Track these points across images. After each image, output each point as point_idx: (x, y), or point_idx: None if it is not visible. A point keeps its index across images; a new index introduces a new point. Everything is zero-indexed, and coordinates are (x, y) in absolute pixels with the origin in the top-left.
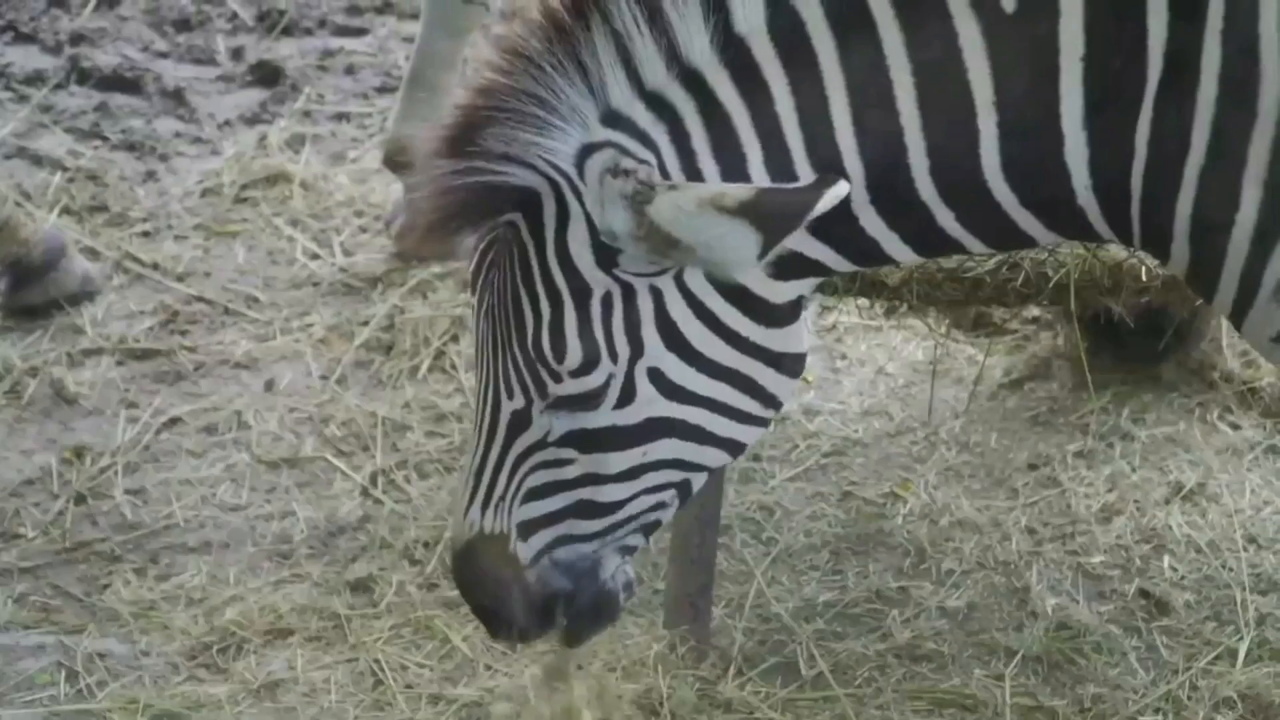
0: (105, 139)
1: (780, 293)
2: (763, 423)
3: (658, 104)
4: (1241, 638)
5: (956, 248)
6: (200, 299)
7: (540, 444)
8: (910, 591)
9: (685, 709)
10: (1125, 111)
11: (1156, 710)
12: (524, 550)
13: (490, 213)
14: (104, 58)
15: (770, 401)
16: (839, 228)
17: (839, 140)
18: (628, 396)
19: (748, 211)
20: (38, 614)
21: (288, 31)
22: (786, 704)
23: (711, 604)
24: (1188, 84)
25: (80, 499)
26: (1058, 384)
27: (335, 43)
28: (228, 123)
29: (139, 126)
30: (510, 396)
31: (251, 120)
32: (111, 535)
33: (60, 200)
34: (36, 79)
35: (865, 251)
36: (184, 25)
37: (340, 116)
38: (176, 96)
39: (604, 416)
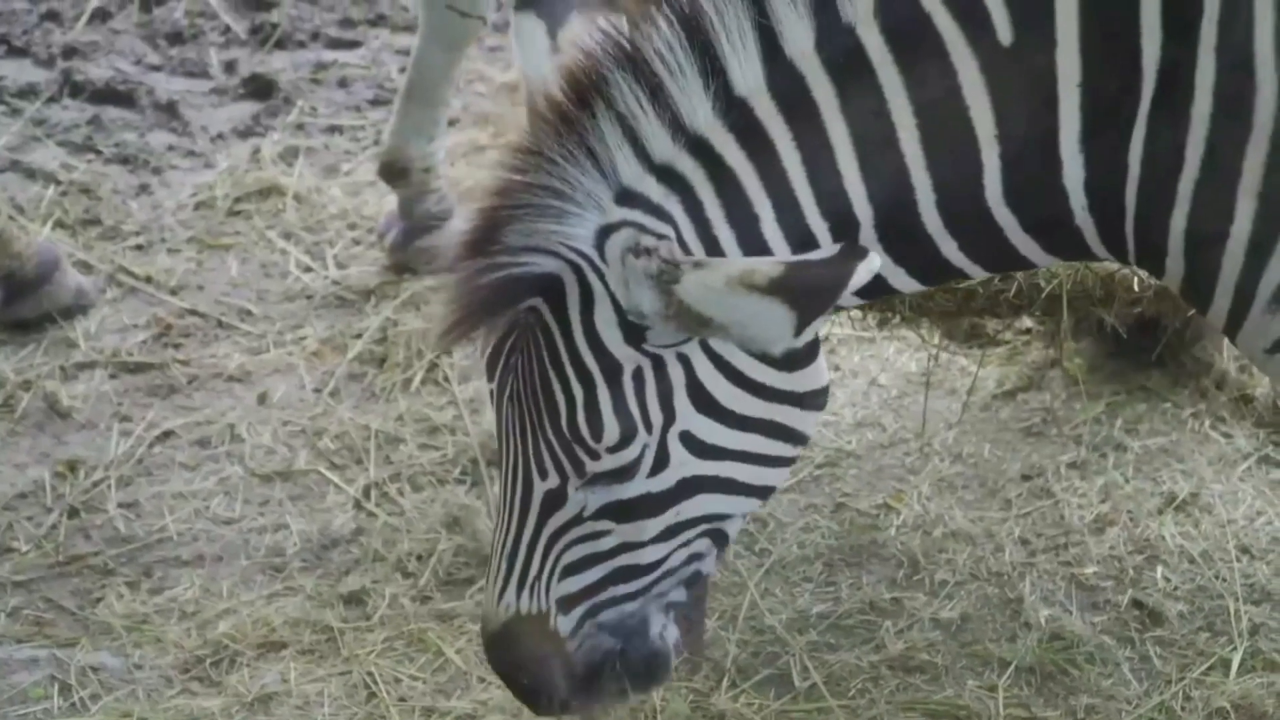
0: (98, 152)
1: (801, 336)
2: (791, 462)
3: (668, 176)
4: (1235, 648)
5: (958, 275)
6: (193, 312)
7: (576, 520)
8: (903, 602)
9: None
10: (1120, 131)
11: None
12: (565, 624)
13: (513, 301)
14: (97, 71)
15: (798, 439)
16: None
17: (848, 189)
18: (661, 463)
19: (779, 289)
20: (31, 628)
21: (280, 44)
22: (780, 715)
23: (705, 616)
24: (1181, 101)
25: (73, 512)
26: (1050, 395)
27: (328, 55)
28: (221, 136)
29: (132, 140)
30: (544, 477)
31: (244, 133)
32: (105, 549)
33: (53, 214)
34: (29, 92)
35: (873, 287)
36: (177, 38)
37: (333, 129)
38: (169, 110)
39: (638, 485)
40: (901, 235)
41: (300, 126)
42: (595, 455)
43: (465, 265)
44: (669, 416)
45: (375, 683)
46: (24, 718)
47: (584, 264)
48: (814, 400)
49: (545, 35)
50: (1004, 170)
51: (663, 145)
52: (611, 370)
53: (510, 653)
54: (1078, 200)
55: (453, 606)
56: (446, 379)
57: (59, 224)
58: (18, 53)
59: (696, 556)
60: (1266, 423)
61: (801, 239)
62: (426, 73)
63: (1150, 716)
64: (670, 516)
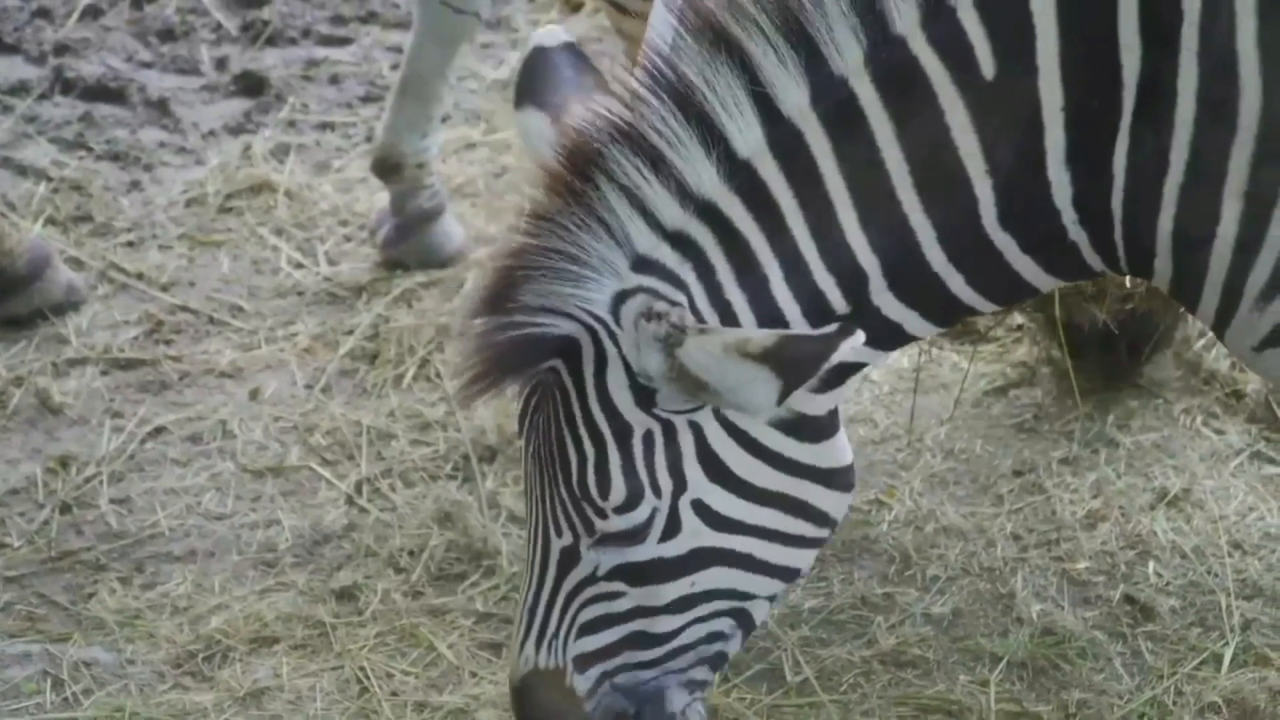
0: (90, 149)
1: (819, 405)
2: (817, 544)
3: (682, 243)
4: (1226, 643)
5: (968, 311)
6: (185, 308)
7: (590, 579)
8: (895, 598)
9: None
10: (1103, 144)
11: (1141, 716)
12: (581, 683)
13: (532, 361)
14: (88, 68)
15: (823, 520)
16: (866, 322)
17: (850, 242)
18: (673, 529)
19: (770, 358)
20: (23, 623)
21: (272, 41)
22: (772, 710)
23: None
24: (1164, 106)
25: (65, 508)
26: (1042, 391)
27: (320, 52)
28: (212, 132)
29: (123, 136)
30: (559, 534)
31: (236, 130)
32: (97, 544)
33: (44, 210)
34: (21, 89)
35: (890, 337)
36: (168, 35)
37: (325, 126)
38: (161, 107)
39: (650, 549)
40: (910, 279)
41: (292, 123)
42: (603, 514)
43: (484, 322)
44: (679, 482)
45: (367, 678)
46: (16, 713)
47: (599, 328)
48: (839, 479)
49: (549, 126)
50: (998, 198)
51: (673, 213)
52: (621, 432)
53: (528, 707)
54: (1069, 216)
55: (444, 602)
56: (438, 375)
57: (50, 221)
58: (9, 49)
59: (718, 636)
60: (1258, 419)
61: (811, 297)
62: (421, 69)
63: (1142, 711)
64: (685, 585)
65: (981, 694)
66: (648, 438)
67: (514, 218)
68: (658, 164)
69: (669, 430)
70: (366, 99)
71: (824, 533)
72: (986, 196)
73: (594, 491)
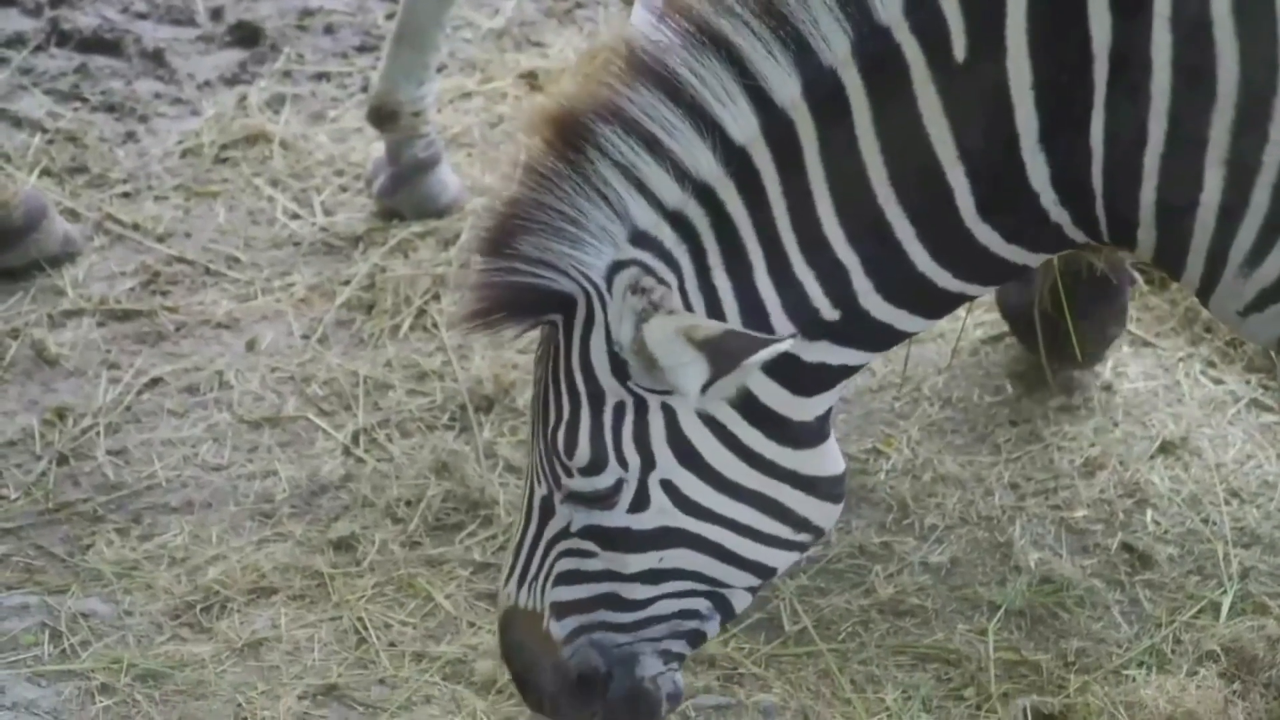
0: (85, 100)
1: (807, 410)
2: (797, 547)
3: (681, 224)
4: (1224, 591)
5: (959, 301)
6: (181, 259)
7: (565, 533)
8: (893, 547)
9: None
10: (1078, 119)
11: (1140, 664)
12: (557, 629)
13: (533, 310)
14: (84, 19)
15: (802, 526)
16: (855, 325)
17: (827, 233)
18: (641, 503)
19: (707, 346)
20: (21, 574)
21: None
22: (770, 659)
23: None
24: (1139, 76)
25: (62, 460)
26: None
27: (314, 2)
28: (207, 83)
29: (119, 88)
30: (540, 483)
31: (231, 80)
32: (94, 496)
33: (40, 162)
34: (16, 41)
35: (882, 338)
36: None
37: (320, 76)
38: (156, 58)
39: (619, 517)
40: (894, 276)
41: (287, 74)
42: (569, 472)
43: (486, 262)
44: (646, 459)
45: (365, 628)
46: (14, 664)
47: (593, 292)
48: (823, 487)
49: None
50: (972, 186)
51: (672, 193)
52: (595, 396)
53: (507, 641)
54: (1048, 197)
55: (442, 552)
56: (435, 325)
57: (46, 172)
58: (4, 2)
59: (693, 614)
60: (1257, 367)
61: (791, 288)
62: (417, 17)
63: (1140, 659)
64: (653, 559)
65: (980, 642)
66: (619, 408)
67: (510, 166)
68: (653, 145)
69: (640, 406)
70: (362, 49)
71: (803, 537)
72: (960, 185)
73: (561, 448)
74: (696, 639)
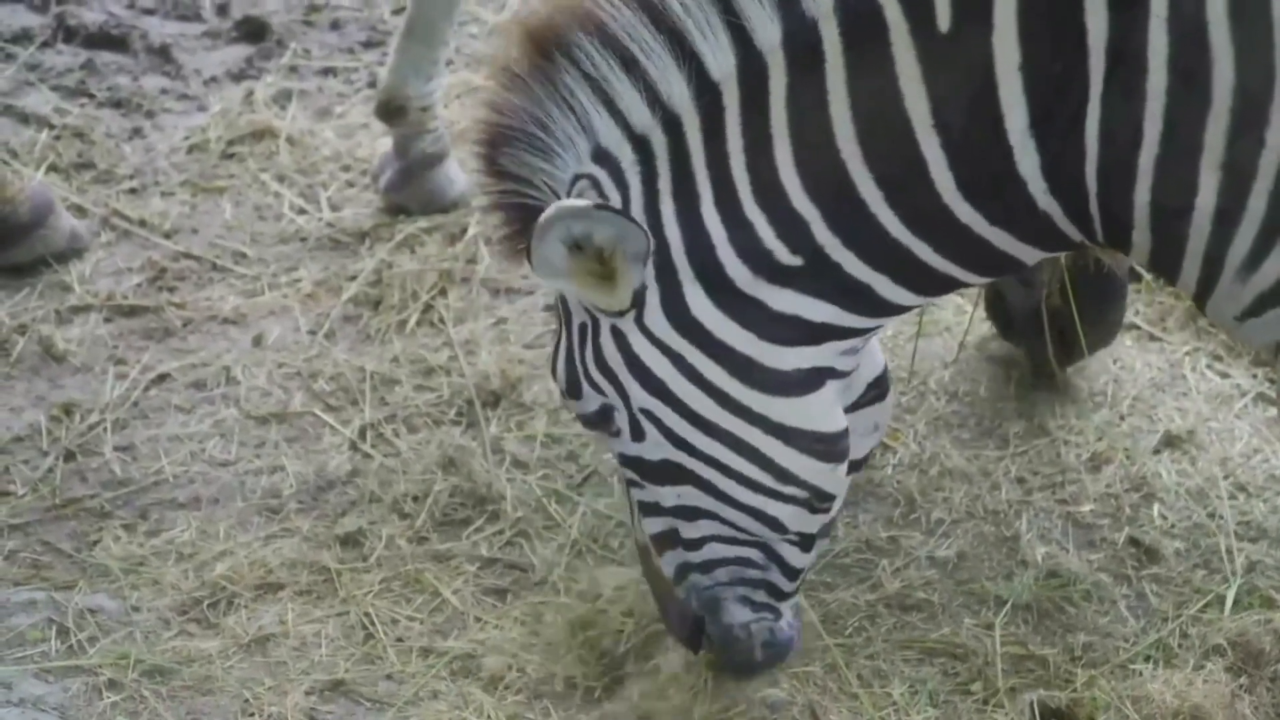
0: (91, 96)
1: (781, 358)
2: (796, 502)
3: (643, 147)
4: (1230, 585)
5: (949, 282)
6: (188, 255)
7: (618, 462)
8: (900, 541)
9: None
10: (1072, 112)
11: (1147, 658)
12: (664, 566)
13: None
14: (90, 15)
15: (786, 477)
16: (826, 279)
17: (783, 180)
18: (637, 432)
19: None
20: (28, 570)
21: None
22: None
23: None
24: (1135, 75)
25: (70, 456)
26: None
27: None
28: (214, 79)
29: (125, 84)
30: None
31: (238, 76)
32: (101, 491)
33: (47, 158)
34: (23, 37)
35: (865, 300)
36: None
37: (326, 71)
38: (162, 53)
39: (630, 446)
40: (863, 237)
41: (293, 69)
42: (564, 394)
43: (484, 181)
44: (617, 386)
45: (372, 623)
46: (22, 660)
47: None
48: (805, 440)
49: None
50: (950, 161)
51: (641, 115)
52: (567, 318)
53: (645, 573)
54: (1037, 186)
55: (449, 547)
56: (441, 320)
57: (52, 168)
58: None
59: (748, 562)
60: (1263, 361)
61: (740, 227)
62: (427, 11)
63: (1147, 653)
64: (673, 496)
65: (986, 637)
66: (582, 329)
67: (494, 67)
68: (629, 65)
69: (595, 327)
70: (368, 44)
71: (792, 490)
72: (936, 157)
73: (551, 368)
74: (773, 590)
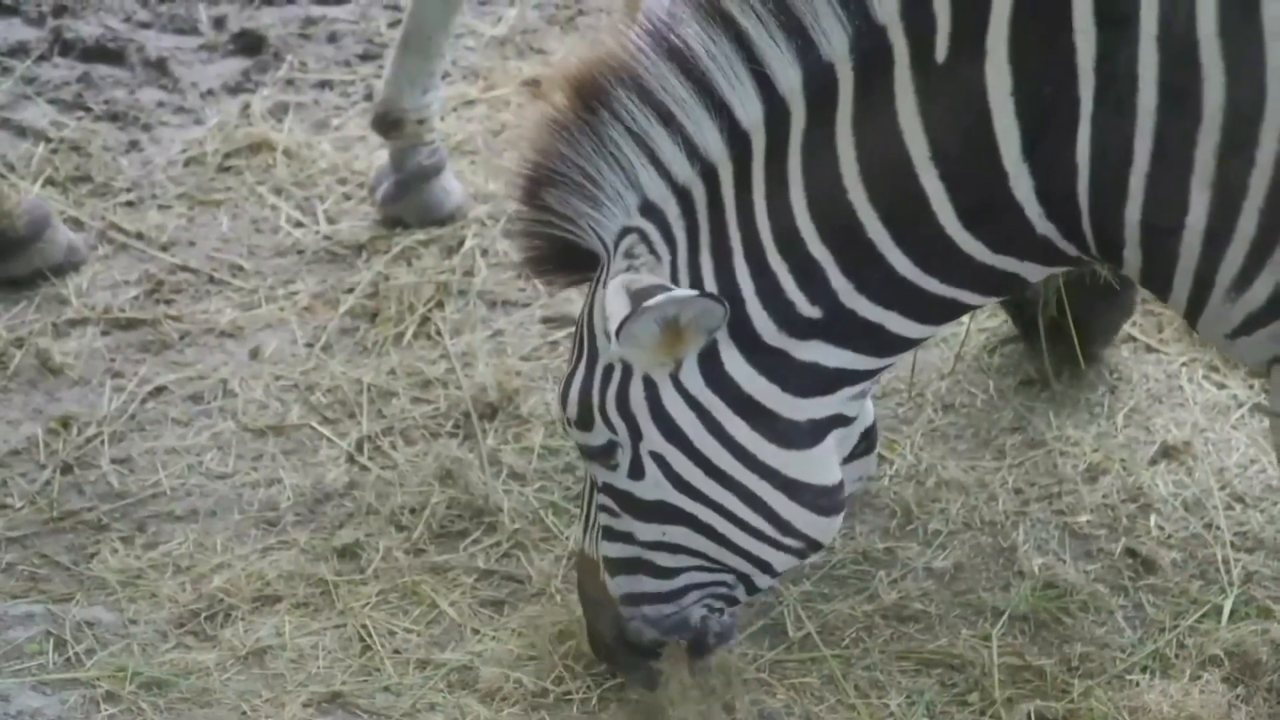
0: (88, 109)
1: (798, 409)
2: (789, 551)
3: (685, 199)
4: (1227, 596)
5: (958, 309)
6: (185, 268)
7: (595, 485)
8: (897, 552)
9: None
10: (1063, 133)
11: (1144, 668)
12: (612, 585)
13: (575, 265)
14: (86, 29)
15: (789, 530)
16: (842, 325)
17: (799, 226)
18: (637, 471)
19: (634, 297)
20: (26, 583)
21: (269, 0)
22: (774, 665)
23: None
24: (1125, 94)
25: (67, 468)
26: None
27: (317, 11)
28: (210, 92)
29: (122, 97)
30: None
31: (234, 89)
32: (98, 504)
33: (44, 171)
34: (19, 50)
35: (877, 341)
36: None
37: (323, 84)
38: (159, 66)
39: (623, 481)
40: (875, 279)
41: (290, 82)
42: (568, 422)
43: (522, 211)
44: (633, 428)
45: (370, 635)
46: (19, 673)
47: (604, 253)
48: (811, 495)
49: None
50: (950, 193)
51: (682, 168)
52: (592, 354)
53: (579, 580)
54: (1034, 210)
55: (446, 559)
56: (438, 333)
57: (49, 181)
58: (8, 11)
59: (722, 585)
60: (1259, 371)
61: (764, 277)
62: (423, 24)
63: (1144, 664)
64: (657, 532)
65: (983, 648)
66: (608, 370)
67: (537, 115)
68: (667, 119)
69: (626, 372)
70: (365, 57)
71: (791, 542)
72: (936, 189)
73: (560, 393)
74: (733, 602)
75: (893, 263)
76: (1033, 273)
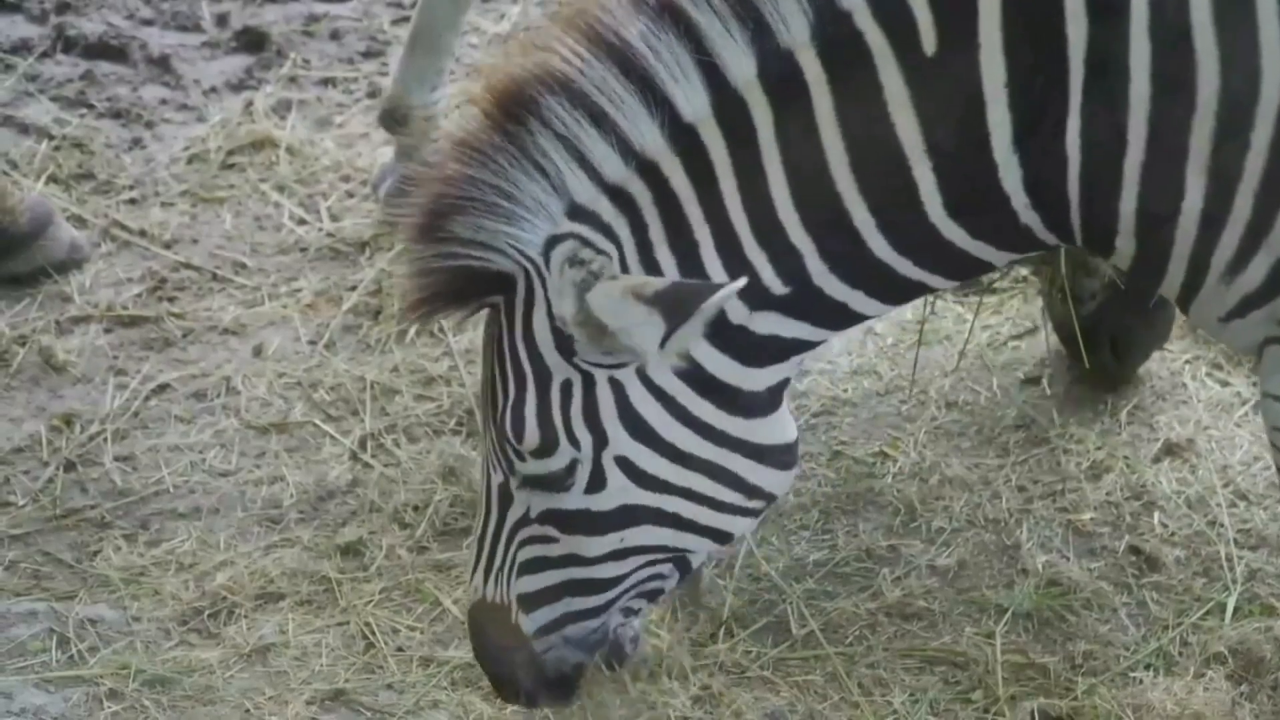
0: (91, 107)
1: (757, 380)
2: (752, 514)
3: (621, 197)
4: (1230, 593)
5: (921, 290)
6: (188, 265)
7: (524, 520)
8: (900, 550)
9: (675, 670)
10: (1053, 124)
11: (1147, 666)
12: (526, 623)
13: (475, 293)
14: (89, 26)
15: (755, 493)
16: (805, 302)
17: (781, 216)
18: (598, 483)
19: (659, 300)
20: (29, 581)
21: None
22: (777, 664)
23: (703, 564)
24: (1117, 84)
25: (70, 466)
26: (1046, 342)
27: (320, 8)
28: (213, 89)
29: (125, 94)
30: (495, 471)
31: (237, 86)
32: (101, 502)
33: (47, 168)
34: (22, 47)
35: (838, 316)
36: None
37: (326, 81)
38: (162, 64)
39: (577, 499)
40: (852, 263)
41: (293, 79)
42: (521, 456)
43: (418, 249)
44: (599, 437)
45: (373, 633)
46: (22, 670)
47: (531, 269)
48: (774, 455)
49: None
50: (940, 183)
51: (614, 167)
52: (541, 375)
53: (477, 636)
54: (1020, 200)
55: (449, 557)
56: (442, 330)
57: (52, 179)
58: (10, 8)
59: (657, 577)
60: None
61: (740, 266)
62: (432, 21)
63: (1148, 661)
64: (614, 541)
65: (987, 645)
66: (566, 386)
67: (441, 142)
68: (599, 119)
69: (588, 382)
70: (367, 54)
71: (756, 504)
72: (926, 180)
73: (509, 431)
74: (655, 595)
75: (872, 247)
76: (1002, 259)
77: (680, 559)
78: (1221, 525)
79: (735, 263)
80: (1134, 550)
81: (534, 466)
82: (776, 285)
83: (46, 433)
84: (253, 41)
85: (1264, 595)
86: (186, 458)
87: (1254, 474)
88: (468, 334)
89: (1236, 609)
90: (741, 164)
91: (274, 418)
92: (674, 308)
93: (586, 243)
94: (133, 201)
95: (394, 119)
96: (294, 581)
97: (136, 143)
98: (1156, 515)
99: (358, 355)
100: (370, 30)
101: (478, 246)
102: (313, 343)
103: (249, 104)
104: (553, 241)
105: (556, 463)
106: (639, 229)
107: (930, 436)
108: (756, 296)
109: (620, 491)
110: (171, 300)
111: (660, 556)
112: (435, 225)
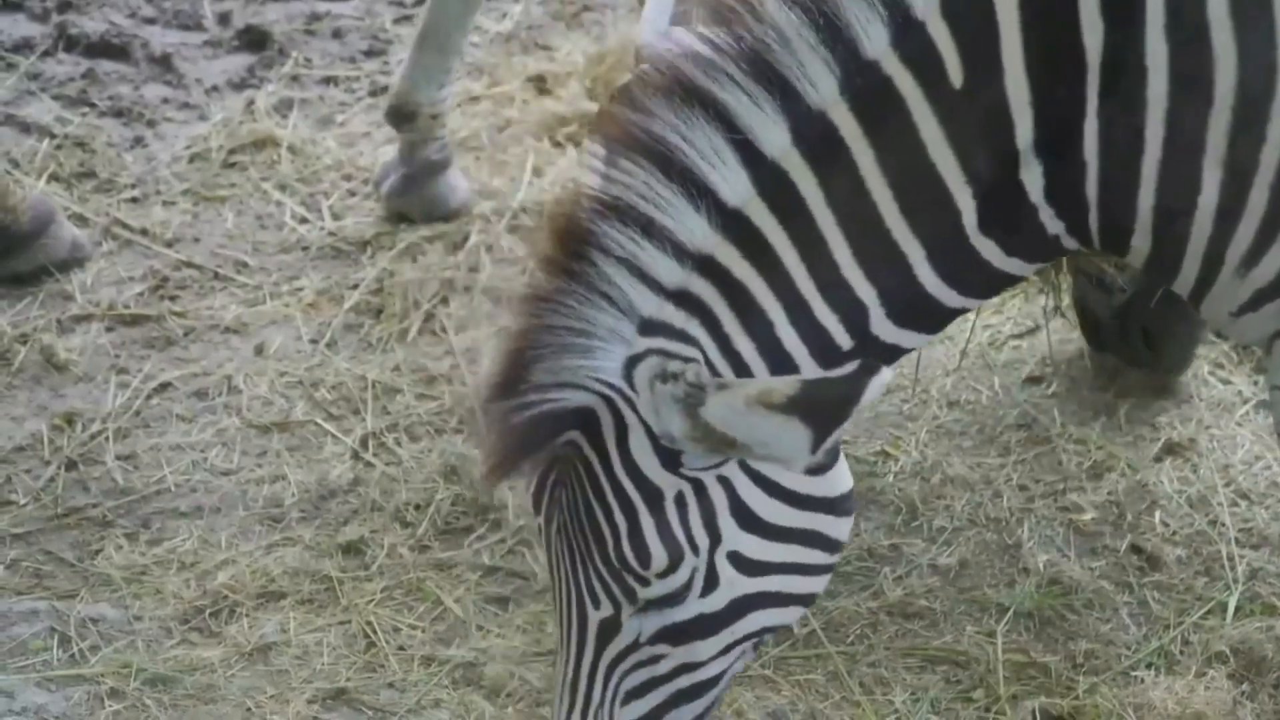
0: (93, 105)
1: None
2: (832, 569)
3: (686, 300)
4: (1232, 592)
5: (955, 315)
6: (189, 264)
7: (633, 646)
8: (902, 549)
9: None
10: (1070, 132)
11: (1149, 665)
12: None
13: (549, 436)
14: (91, 24)
15: (835, 547)
16: (864, 351)
17: (847, 276)
18: (711, 584)
19: (795, 408)
20: (30, 580)
21: None
22: (778, 663)
23: None
24: (1133, 85)
25: (71, 465)
26: (1048, 342)
27: (322, 6)
28: (215, 88)
29: (126, 93)
30: (597, 607)
31: (239, 85)
32: (103, 501)
33: (48, 167)
34: (24, 46)
35: (885, 356)
36: None
37: (328, 80)
38: (164, 62)
39: (692, 607)
40: (904, 303)
41: (295, 78)
42: (645, 582)
43: (498, 406)
44: (714, 538)
45: (374, 632)
46: (24, 669)
47: (614, 395)
48: (844, 505)
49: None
50: (980, 208)
51: (672, 272)
52: (652, 497)
53: None
54: (1046, 212)
55: (451, 555)
56: (443, 329)
57: (54, 177)
58: (12, 7)
59: (750, 651)
60: (1264, 368)
61: (816, 335)
62: (443, 20)
63: (1149, 660)
64: (726, 637)
65: (988, 644)
66: (680, 499)
67: (509, 304)
68: (648, 229)
69: (699, 488)
70: (370, 53)
71: (835, 558)
72: (968, 206)
73: (633, 561)
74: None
75: (924, 283)
76: (1028, 271)
77: (773, 630)
78: (1223, 524)
79: (809, 330)
80: (1135, 549)
81: (659, 588)
82: (845, 341)
83: (48, 431)
84: (254, 40)
85: (1265, 594)
86: (188, 456)
87: (1255, 473)
88: (469, 333)
89: (1238, 608)
90: (797, 234)
91: (275, 416)
92: (818, 413)
93: (668, 354)
94: (134, 200)
95: (401, 116)
96: (295, 580)
97: (138, 141)
98: (1158, 514)
99: (359, 354)
100: (372, 29)
101: (554, 389)
102: (314, 341)
103: (251, 103)
104: (632, 362)
105: (680, 577)
106: (713, 325)
107: (932, 435)
108: (829, 356)
109: (730, 586)
110: (173, 299)
111: (761, 638)
112: (514, 380)
